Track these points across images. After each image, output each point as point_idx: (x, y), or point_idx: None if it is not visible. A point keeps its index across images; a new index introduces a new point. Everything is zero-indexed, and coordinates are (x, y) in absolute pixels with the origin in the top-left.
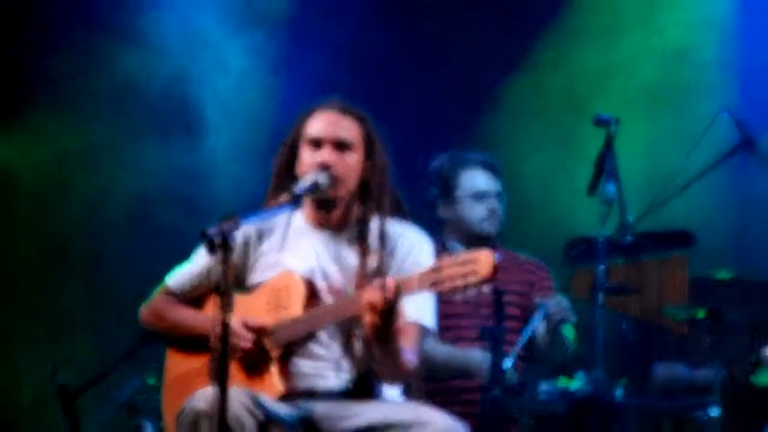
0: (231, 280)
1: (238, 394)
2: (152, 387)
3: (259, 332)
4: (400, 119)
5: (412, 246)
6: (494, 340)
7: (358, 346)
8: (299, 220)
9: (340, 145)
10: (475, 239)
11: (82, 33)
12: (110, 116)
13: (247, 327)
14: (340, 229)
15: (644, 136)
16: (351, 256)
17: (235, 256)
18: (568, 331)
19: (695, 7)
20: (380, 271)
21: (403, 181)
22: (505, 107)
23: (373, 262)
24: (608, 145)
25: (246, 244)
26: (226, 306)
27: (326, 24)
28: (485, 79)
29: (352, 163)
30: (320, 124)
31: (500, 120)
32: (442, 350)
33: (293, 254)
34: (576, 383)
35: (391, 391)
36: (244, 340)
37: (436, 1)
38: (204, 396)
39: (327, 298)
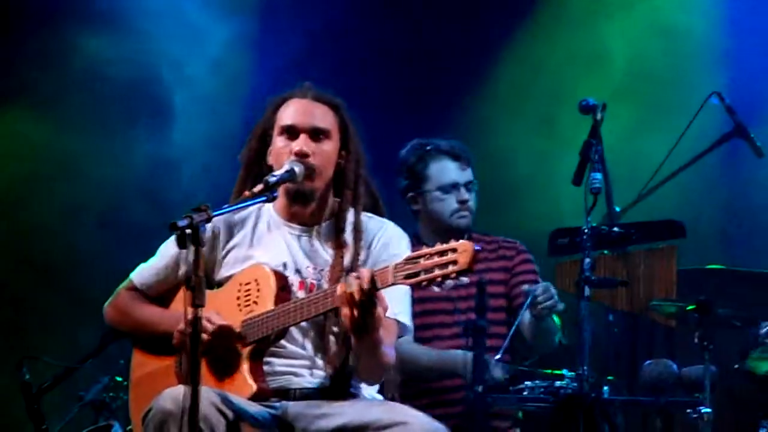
0: (201, 274)
1: (207, 392)
2: (120, 385)
3: (227, 330)
4: (379, 108)
5: (388, 240)
6: (477, 334)
7: (333, 342)
8: (270, 212)
9: (317, 134)
10: (448, 232)
11: (46, 20)
12: (78, 106)
13: (211, 321)
14: (314, 222)
15: (631, 123)
16: (325, 250)
17: (204, 250)
18: (554, 319)
19: None
20: (355, 266)
21: (383, 170)
22: (489, 94)
23: (348, 256)
24: (594, 133)
25: (214, 237)
26: (197, 300)
27: (302, 10)
28: (468, 66)
29: (328, 152)
30: (294, 112)
31: (484, 108)
32: (423, 353)
33: (264, 248)
34: (562, 379)
35: (369, 390)
36: (204, 333)
37: None
38: (171, 396)
39: (299, 294)
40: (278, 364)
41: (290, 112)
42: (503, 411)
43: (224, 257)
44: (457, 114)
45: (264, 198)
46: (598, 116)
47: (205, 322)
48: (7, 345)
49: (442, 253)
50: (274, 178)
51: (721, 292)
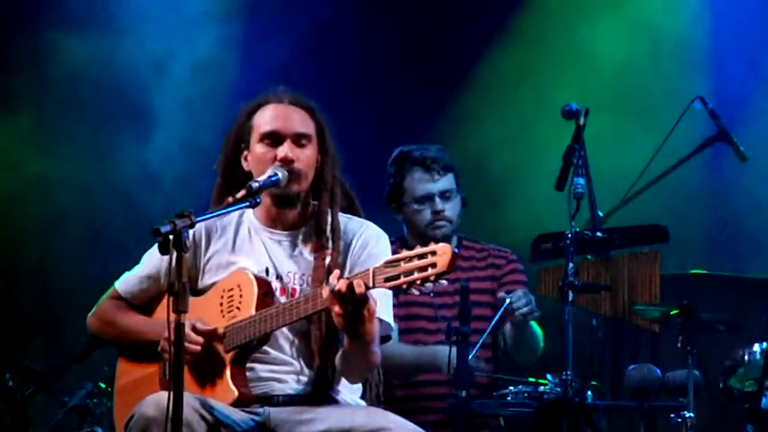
0: (185, 280)
1: (189, 398)
2: (105, 391)
3: (210, 336)
4: (362, 112)
5: (367, 240)
6: (460, 339)
7: (316, 347)
8: (251, 218)
9: (300, 139)
10: (428, 240)
11: (30, 21)
12: (56, 109)
13: (197, 331)
14: (294, 226)
15: (614, 127)
16: (307, 254)
17: (186, 256)
18: (536, 328)
19: None
20: (338, 265)
21: (365, 171)
22: (471, 97)
23: (329, 258)
24: (577, 138)
25: (195, 245)
26: (181, 306)
27: (288, 12)
28: (451, 69)
29: (310, 156)
30: (275, 117)
31: (465, 111)
32: (407, 350)
33: (246, 254)
34: (545, 384)
35: (351, 396)
36: (193, 344)
37: None
38: (153, 402)
39: (281, 299)
40: (261, 370)
41: (270, 118)
42: (483, 419)
43: (206, 264)
44: (439, 117)
45: (247, 204)
46: (581, 121)
47: (189, 332)
48: None
49: (421, 256)
50: (258, 184)
51: (704, 297)
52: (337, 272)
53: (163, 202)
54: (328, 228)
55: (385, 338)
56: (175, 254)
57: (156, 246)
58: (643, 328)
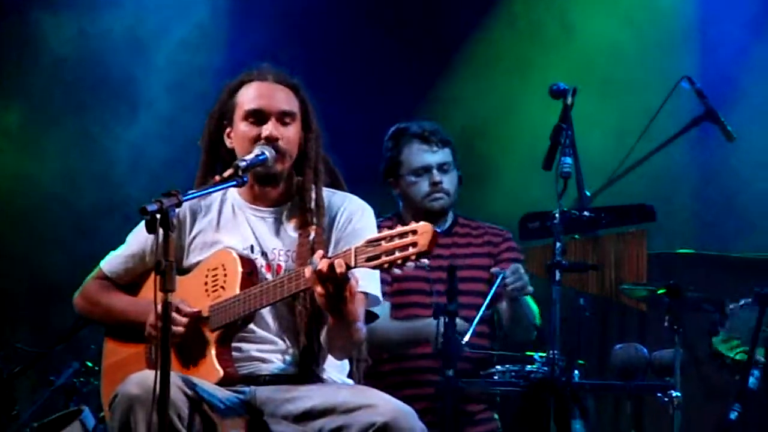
0: (172, 259)
1: (172, 377)
2: (92, 370)
3: (194, 317)
4: (346, 92)
5: (351, 213)
6: (447, 317)
7: (302, 326)
8: (234, 197)
9: (284, 117)
10: (426, 215)
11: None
12: (42, 92)
13: (181, 312)
14: (279, 203)
15: (601, 107)
16: (291, 230)
17: (172, 235)
18: (532, 304)
19: None
20: (320, 244)
21: (358, 149)
22: (457, 76)
23: (313, 234)
24: (564, 117)
25: (180, 224)
26: (168, 285)
27: None
28: (438, 48)
29: (295, 134)
30: (259, 95)
31: (452, 90)
32: (397, 326)
33: (230, 232)
34: (533, 363)
35: (337, 374)
36: (178, 326)
37: None
38: (137, 380)
39: (267, 276)
40: (247, 349)
41: (254, 96)
42: (478, 395)
43: (191, 243)
44: (426, 96)
45: (234, 183)
46: (569, 100)
47: (173, 314)
48: None
49: (402, 235)
50: (245, 163)
51: (691, 276)
52: (320, 252)
53: (148, 182)
54: (312, 204)
55: (371, 315)
56: (161, 233)
57: (141, 225)
58: (630, 308)
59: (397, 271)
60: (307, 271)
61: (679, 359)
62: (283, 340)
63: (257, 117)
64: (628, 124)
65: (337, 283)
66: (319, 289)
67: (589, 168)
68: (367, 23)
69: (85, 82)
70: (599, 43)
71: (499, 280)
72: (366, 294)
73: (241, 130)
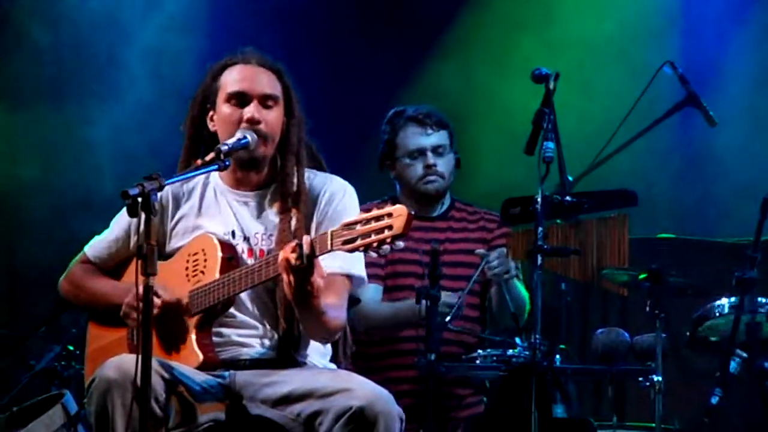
0: (154, 243)
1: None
2: (73, 354)
3: (172, 303)
4: (324, 77)
5: (333, 194)
6: (429, 301)
7: (281, 310)
8: (216, 181)
9: (266, 100)
10: (421, 198)
11: None
12: (21, 77)
13: (158, 296)
14: (261, 187)
15: (583, 91)
16: (273, 214)
17: (154, 220)
18: (521, 290)
19: None
20: (302, 227)
21: (339, 135)
22: (439, 61)
23: (295, 218)
24: (547, 102)
25: (162, 209)
26: (150, 269)
27: None
28: (420, 35)
29: (277, 117)
30: (242, 78)
31: (433, 75)
32: (384, 308)
33: (212, 217)
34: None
35: (318, 358)
36: (155, 308)
37: None
38: (114, 364)
39: (249, 261)
40: (228, 333)
41: (237, 79)
42: (465, 379)
43: (173, 228)
44: (406, 81)
45: (216, 167)
46: (551, 85)
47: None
48: None
49: (378, 218)
50: (227, 147)
51: (672, 261)
52: (292, 244)
53: (126, 168)
54: (294, 188)
55: (354, 299)
56: (143, 216)
57: (124, 210)
58: (611, 292)
59: (373, 254)
60: (281, 255)
61: (660, 344)
62: (264, 325)
63: (240, 99)
64: (611, 109)
65: (302, 272)
66: (285, 277)
67: (571, 153)
68: (347, 9)
69: (64, 68)
70: (581, 29)
71: (483, 262)
72: (350, 276)
73: (223, 112)
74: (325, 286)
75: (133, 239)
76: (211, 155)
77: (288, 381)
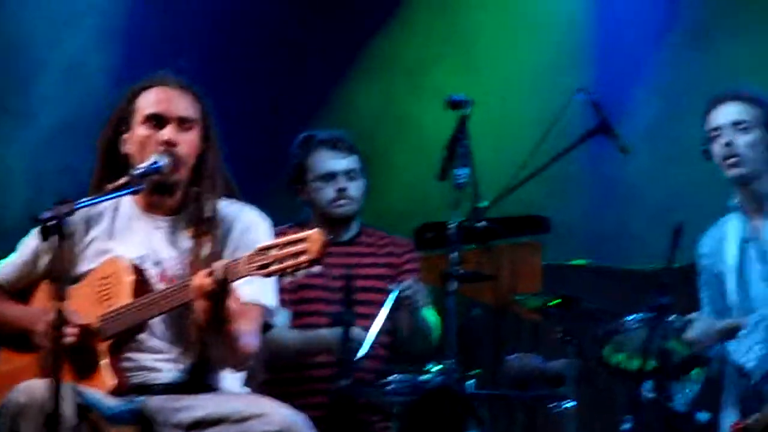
0: (66, 267)
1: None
2: None
3: (84, 327)
4: (249, 95)
5: (247, 225)
6: (344, 326)
7: (193, 335)
8: (128, 204)
9: (184, 123)
10: (332, 222)
11: None
12: None
13: (71, 324)
14: (174, 212)
15: (497, 118)
16: (185, 240)
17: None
18: (431, 316)
19: None
20: (215, 254)
21: (251, 156)
22: (357, 80)
23: (208, 245)
24: (461, 128)
25: (72, 232)
26: (61, 294)
27: None
28: (336, 58)
29: (193, 141)
30: (159, 100)
31: (352, 92)
32: (294, 336)
33: (123, 241)
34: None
35: (232, 383)
36: (68, 336)
37: None
38: (24, 389)
39: (160, 286)
40: (139, 358)
41: (154, 100)
42: (374, 404)
43: (84, 251)
44: (323, 102)
45: (128, 191)
46: (466, 112)
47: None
48: None
49: (293, 243)
50: (140, 171)
51: (584, 287)
52: (204, 272)
53: (39, 189)
54: (207, 216)
55: (267, 325)
56: (55, 241)
57: (32, 233)
58: (524, 318)
59: (287, 279)
60: (194, 281)
61: (572, 370)
62: (175, 350)
63: (156, 121)
64: (527, 136)
65: (216, 297)
66: (198, 303)
67: (487, 179)
68: (264, 31)
69: None
70: (497, 54)
71: (392, 297)
72: (262, 306)
73: (139, 134)
74: (238, 313)
75: (42, 263)
76: (123, 180)
77: (201, 405)
